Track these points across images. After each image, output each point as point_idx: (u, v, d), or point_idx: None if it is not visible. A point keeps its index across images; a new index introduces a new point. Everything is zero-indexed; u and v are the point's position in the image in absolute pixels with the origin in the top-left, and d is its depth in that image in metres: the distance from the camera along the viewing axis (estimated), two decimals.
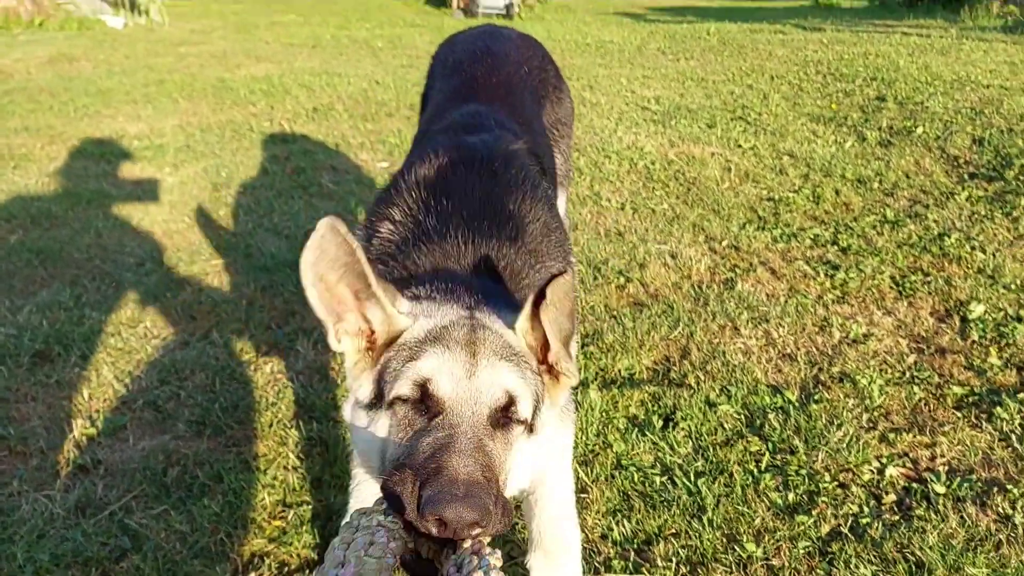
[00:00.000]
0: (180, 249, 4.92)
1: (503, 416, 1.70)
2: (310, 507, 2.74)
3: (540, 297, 1.65)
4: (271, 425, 3.17)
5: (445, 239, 2.14)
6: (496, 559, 1.37)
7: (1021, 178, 5.55)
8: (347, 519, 1.41)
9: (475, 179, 2.32)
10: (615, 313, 4.03)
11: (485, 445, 1.61)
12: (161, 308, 4.13)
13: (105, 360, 3.63)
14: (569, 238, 2.66)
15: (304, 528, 2.65)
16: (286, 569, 2.50)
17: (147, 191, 5.99)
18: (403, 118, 8.15)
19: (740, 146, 6.85)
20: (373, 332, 1.81)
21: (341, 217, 1.60)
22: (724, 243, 4.88)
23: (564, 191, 3.55)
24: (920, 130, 6.85)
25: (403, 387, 1.69)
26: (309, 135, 7.53)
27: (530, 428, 1.79)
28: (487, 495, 1.47)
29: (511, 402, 1.71)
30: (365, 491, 2.33)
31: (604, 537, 2.63)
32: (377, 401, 1.76)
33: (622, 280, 4.40)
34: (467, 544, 1.43)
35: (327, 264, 1.69)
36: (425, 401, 1.67)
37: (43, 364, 3.59)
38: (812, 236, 4.91)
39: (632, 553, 2.55)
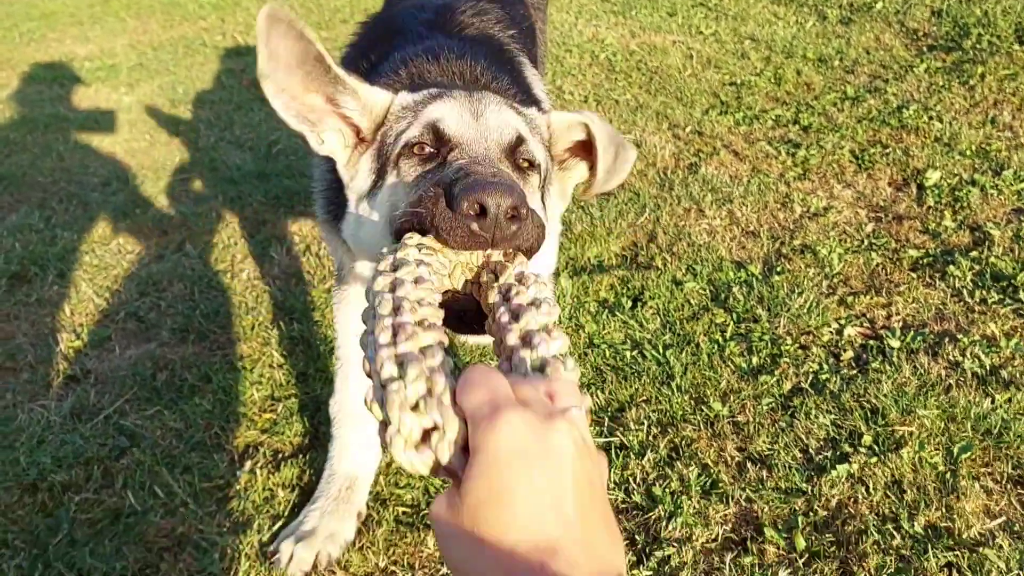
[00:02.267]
0: (144, 167, 4.91)
1: (516, 157, 1.69)
2: (298, 399, 2.86)
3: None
4: (253, 328, 3.26)
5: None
6: (542, 279, 1.26)
7: (978, 47, 5.60)
8: (380, 265, 1.22)
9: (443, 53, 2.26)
10: (582, 204, 4.11)
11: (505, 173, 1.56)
12: (132, 225, 4.16)
13: (83, 277, 3.68)
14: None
15: (294, 418, 2.77)
16: (280, 456, 2.63)
17: (104, 112, 5.92)
18: (358, 24, 8.01)
19: (701, 33, 6.82)
20: (357, 128, 1.79)
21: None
22: (688, 129, 4.94)
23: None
24: (880, 5, 6.85)
25: (412, 132, 1.67)
26: None
27: (542, 188, 1.78)
28: (516, 185, 1.39)
29: (521, 140, 1.70)
30: (351, 370, 2.42)
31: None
32: (379, 177, 1.73)
33: None
34: (509, 269, 1.28)
35: (283, 70, 1.63)
36: (436, 144, 1.65)
37: (21, 285, 3.64)
38: (774, 117, 4.97)
39: (606, 419, 2.69)
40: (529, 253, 1.40)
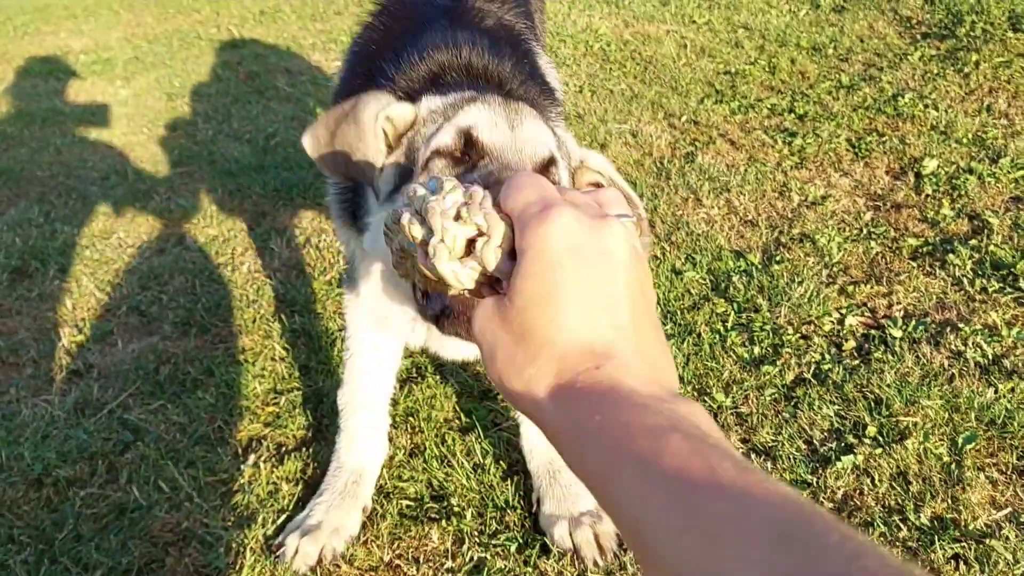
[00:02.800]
0: (143, 161, 4.89)
1: (548, 177, 1.61)
2: (300, 392, 2.86)
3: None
4: (255, 321, 3.26)
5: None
6: None
7: (972, 34, 5.60)
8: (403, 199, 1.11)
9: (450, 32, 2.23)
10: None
11: None
12: (132, 218, 4.15)
13: (84, 271, 3.67)
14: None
15: (297, 411, 2.78)
16: (284, 449, 2.64)
17: (101, 106, 5.90)
18: (353, 16, 7.97)
19: (695, 22, 6.82)
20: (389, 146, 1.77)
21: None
22: (683, 118, 4.94)
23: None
24: None
25: (444, 138, 1.63)
26: (259, 39, 7.38)
27: None
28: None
29: (552, 161, 1.66)
30: (360, 363, 2.42)
31: None
32: (404, 182, 1.70)
33: None
34: None
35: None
36: (468, 151, 1.61)
37: (22, 279, 3.63)
38: (769, 106, 4.97)
39: None
40: None
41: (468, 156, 1.60)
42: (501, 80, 2.03)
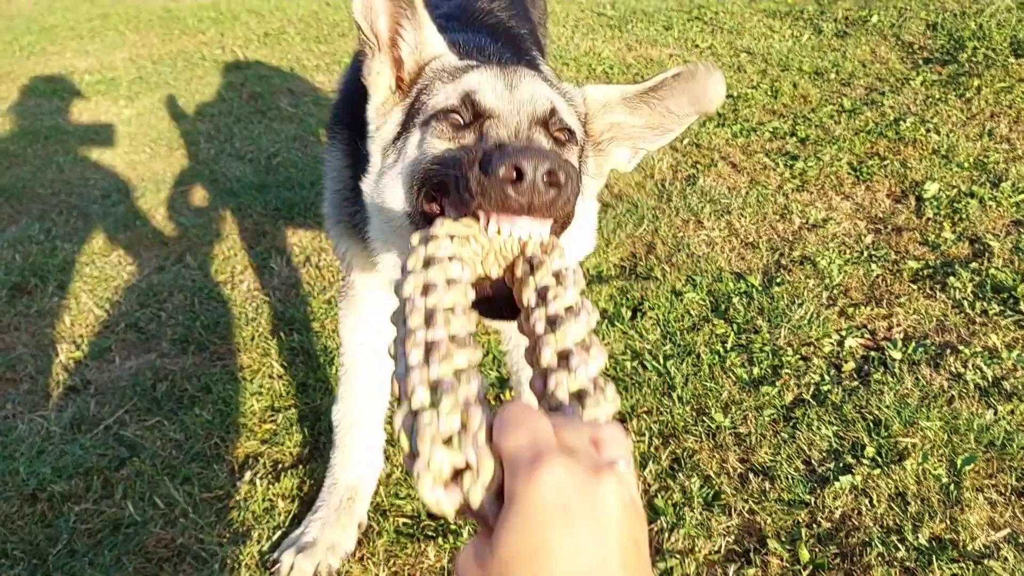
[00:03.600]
0: (144, 179, 4.91)
1: (550, 127, 1.68)
2: (297, 410, 2.85)
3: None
4: (253, 338, 3.25)
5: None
6: (579, 278, 1.17)
7: (974, 60, 5.63)
8: (409, 261, 1.12)
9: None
10: None
11: (541, 141, 1.61)
12: (132, 236, 4.16)
13: (83, 288, 3.67)
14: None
15: (294, 429, 2.76)
16: (280, 466, 2.62)
17: (104, 125, 5.93)
18: (356, 38, 8.04)
19: (697, 46, 6.86)
20: (402, 68, 1.83)
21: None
22: (685, 141, 4.95)
23: None
24: (875, 19, 6.89)
25: (448, 100, 1.68)
26: (263, 60, 7.42)
27: (580, 157, 1.78)
28: (557, 156, 1.32)
29: (554, 111, 1.69)
30: (355, 379, 2.42)
31: None
32: (406, 131, 1.75)
33: None
34: (546, 264, 1.19)
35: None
36: (470, 113, 1.65)
37: (21, 296, 3.63)
38: (771, 129, 4.99)
39: None
40: (566, 221, 1.44)
41: (472, 118, 1.65)
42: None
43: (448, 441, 0.89)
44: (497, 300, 1.29)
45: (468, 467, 0.87)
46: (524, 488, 0.80)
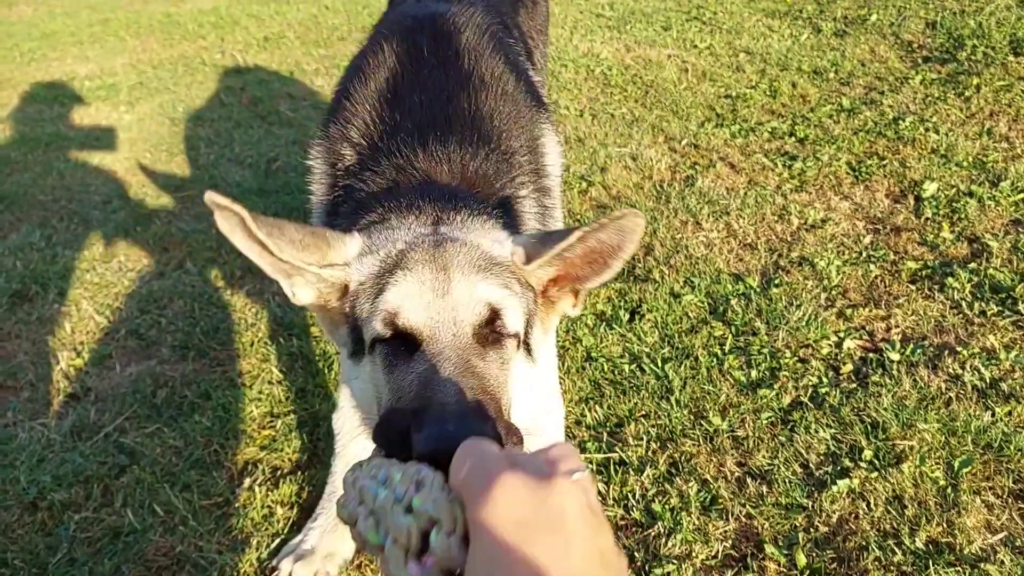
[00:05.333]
0: (144, 185, 4.92)
1: (491, 332, 1.56)
2: (296, 416, 2.86)
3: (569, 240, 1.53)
4: (252, 344, 3.26)
5: (398, 154, 1.99)
6: None
7: (973, 58, 5.62)
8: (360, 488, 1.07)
9: (426, 73, 2.21)
10: (579, 217, 4.12)
11: (475, 367, 1.47)
12: (132, 242, 4.17)
13: (83, 295, 3.68)
14: (542, 97, 2.56)
15: (293, 435, 2.77)
16: (279, 472, 2.63)
17: (105, 131, 5.94)
18: (356, 42, 8.05)
19: (696, 46, 6.85)
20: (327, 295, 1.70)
21: (223, 198, 1.49)
22: (684, 142, 4.95)
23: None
24: (874, 18, 6.88)
25: (375, 327, 1.56)
26: (262, 65, 7.43)
27: (526, 347, 1.65)
28: (482, 421, 1.34)
29: (495, 315, 1.56)
30: (352, 449, 2.41)
31: (578, 423, 2.76)
32: (359, 348, 1.65)
33: (584, 185, 4.48)
34: None
35: (243, 247, 1.58)
36: (402, 336, 1.53)
37: (22, 303, 3.64)
38: (770, 129, 4.98)
39: (605, 435, 2.69)
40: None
41: (404, 340, 1.53)
42: (441, 199, 1.91)
43: (409, 508, 0.89)
44: None
45: (433, 523, 0.86)
46: (481, 512, 0.78)
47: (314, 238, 1.63)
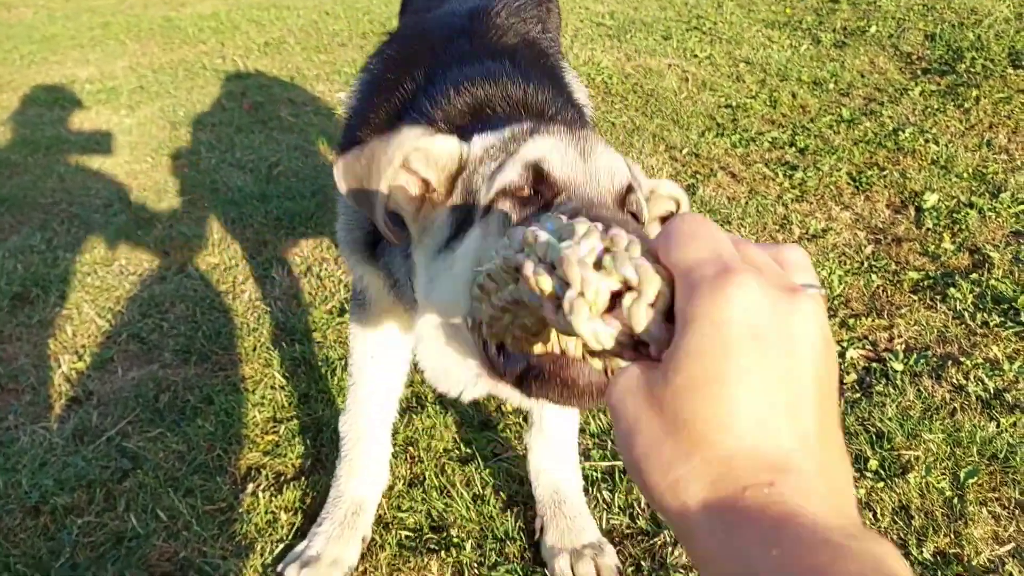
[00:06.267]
0: (146, 189, 4.91)
1: (626, 206, 1.46)
2: (300, 421, 2.85)
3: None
4: (255, 349, 3.25)
5: (472, 82, 1.87)
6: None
7: (972, 70, 5.65)
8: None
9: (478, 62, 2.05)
10: None
11: None
12: (134, 246, 4.16)
13: (84, 298, 3.67)
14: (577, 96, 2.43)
15: (296, 440, 2.76)
16: (283, 478, 2.62)
17: (105, 134, 5.93)
18: (356, 47, 8.06)
19: (696, 56, 6.88)
20: (424, 180, 1.59)
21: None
22: (684, 151, 4.96)
23: None
24: (873, 29, 6.92)
25: (509, 175, 1.43)
26: (263, 70, 7.43)
27: None
28: None
29: (631, 188, 1.46)
30: (363, 392, 2.39)
31: (583, 431, 2.76)
32: (459, 229, 1.49)
33: None
34: None
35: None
36: (538, 188, 1.41)
37: (23, 306, 3.63)
38: (770, 139, 5.00)
39: (609, 443, 2.69)
40: None
41: (539, 194, 1.42)
42: (543, 111, 1.88)
43: (598, 266, 0.77)
44: None
45: (628, 288, 0.75)
46: (708, 306, 0.68)
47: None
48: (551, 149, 1.44)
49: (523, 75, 1.94)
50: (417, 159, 1.55)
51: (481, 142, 1.56)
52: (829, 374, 0.70)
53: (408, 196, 1.59)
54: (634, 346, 0.76)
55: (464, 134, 1.63)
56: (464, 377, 1.46)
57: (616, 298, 0.76)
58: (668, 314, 0.73)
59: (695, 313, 0.68)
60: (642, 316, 0.73)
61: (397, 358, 2.44)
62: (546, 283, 0.81)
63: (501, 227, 1.40)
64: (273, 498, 2.54)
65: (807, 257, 0.78)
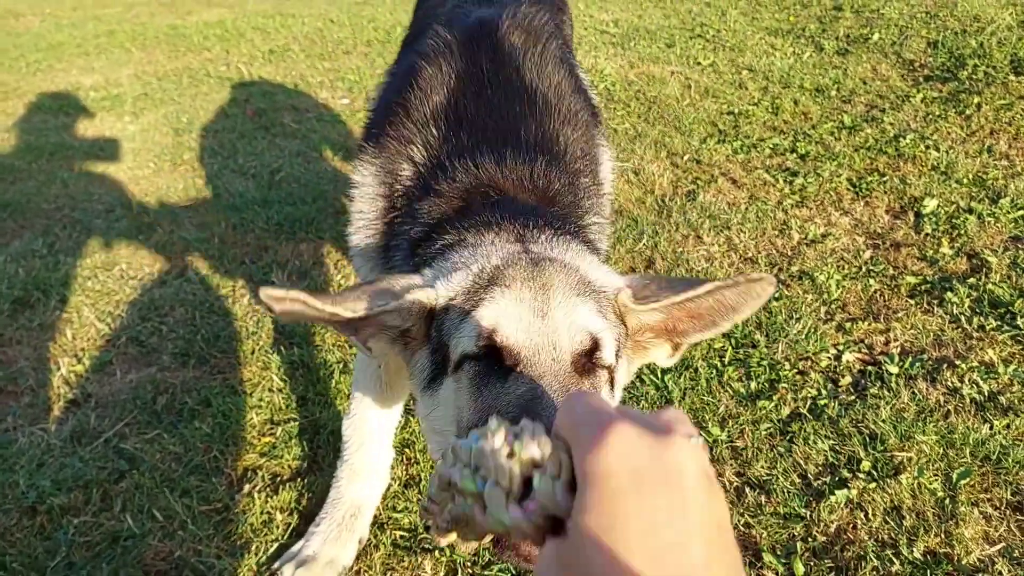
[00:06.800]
0: (148, 194, 4.94)
1: (588, 362, 1.47)
2: (297, 423, 2.86)
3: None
4: (253, 352, 3.27)
5: (469, 171, 1.88)
6: None
7: (974, 77, 5.65)
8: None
9: (489, 92, 2.09)
10: None
11: None
12: (135, 251, 4.18)
13: (84, 302, 3.69)
14: (594, 101, 2.45)
15: (293, 442, 2.77)
16: (279, 479, 2.63)
17: (109, 141, 5.97)
18: (361, 55, 8.11)
19: (699, 63, 6.89)
20: (403, 328, 1.61)
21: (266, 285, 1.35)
22: (686, 157, 4.97)
23: None
24: (876, 36, 6.93)
25: (466, 343, 1.46)
26: (267, 77, 7.48)
27: (611, 382, 1.55)
28: None
29: (595, 345, 1.47)
30: (367, 396, 2.40)
31: None
32: (439, 372, 1.55)
33: None
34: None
35: (318, 320, 1.50)
36: (496, 356, 1.44)
37: (24, 310, 3.65)
38: (771, 146, 5.01)
39: None
40: None
41: (498, 360, 1.44)
42: (537, 191, 1.87)
43: (510, 454, 0.84)
44: None
45: (536, 465, 0.82)
46: (592, 459, 0.73)
47: (381, 284, 1.57)
48: (504, 314, 1.46)
49: (524, 152, 1.95)
50: (392, 319, 1.57)
51: (444, 291, 1.57)
52: (714, 510, 0.73)
53: (389, 341, 1.63)
54: (553, 527, 0.80)
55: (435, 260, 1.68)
56: None
57: (530, 482, 0.82)
58: (573, 483, 0.78)
59: (584, 469, 0.73)
60: (548, 490, 0.79)
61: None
62: (469, 484, 0.87)
63: (469, 387, 1.46)
64: (269, 499, 2.55)
65: (685, 417, 0.82)
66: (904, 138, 4.83)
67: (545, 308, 1.45)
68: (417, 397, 1.65)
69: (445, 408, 1.54)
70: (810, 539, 2.29)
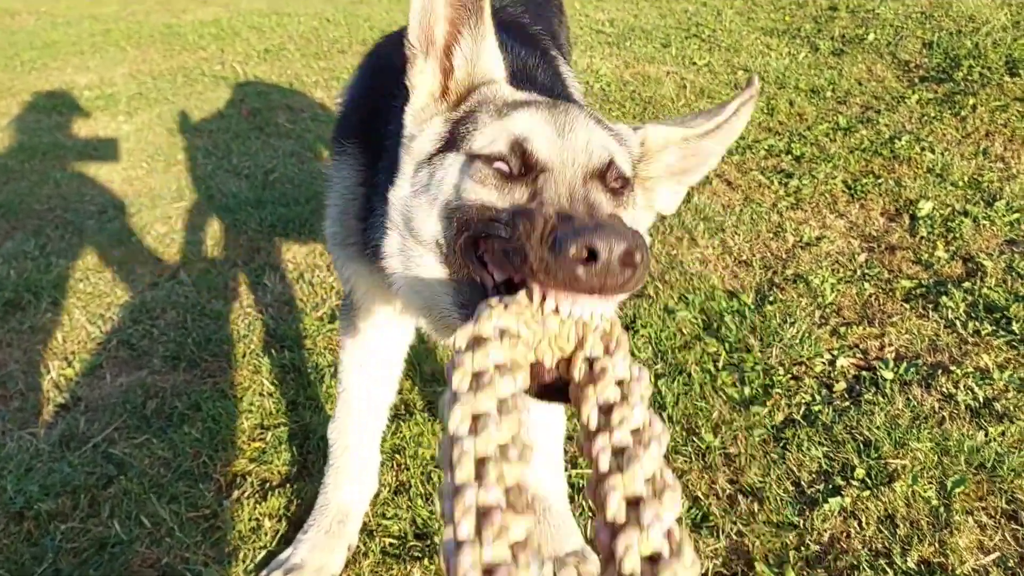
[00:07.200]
0: (141, 195, 4.92)
1: (607, 179, 1.54)
2: (287, 428, 2.84)
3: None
4: (244, 356, 3.25)
5: None
6: (646, 385, 1.09)
7: (969, 78, 5.64)
8: (456, 374, 1.03)
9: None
10: None
11: (597, 200, 1.46)
12: (127, 252, 4.16)
13: (76, 304, 3.67)
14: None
15: (283, 447, 2.75)
16: (268, 485, 2.61)
17: (103, 140, 5.94)
18: (356, 54, 8.07)
19: (695, 63, 6.88)
20: (450, 77, 1.70)
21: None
22: None
23: None
24: (872, 37, 6.91)
25: (496, 146, 1.54)
26: (262, 76, 7.45)
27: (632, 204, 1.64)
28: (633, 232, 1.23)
29: (611, 163, 1.55)
30: (352, 401, 2.38)
31: (570, 438, 2.74)
32: (444, 150, 1.62)
33: None
34: (609, 373, 1.11)
35: None
36: (521, 161, 1.51)
37: (14, 312, 3.63)
38: (767, 147, 4.99)
39: None
40: (632, 294, 1.38)
41: (520, 169, 1.51)
42: (536, 82, 1.99)
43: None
44: (552, 387, 1.24)
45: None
46: None
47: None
48: (535, 126, 1.56)
49: (522, 49, 2.12)
50: (468, 48, 1.69)
51: (493, 89, 1.70)
52: None
53: (428, 89, 1.71)
54: None
55: None
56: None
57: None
58: None
59: None
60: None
61: (387, 366, 2.43)
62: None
63: (481, 181, 1.52)
64: (258, 505, 2.53)
65: None
66: (899, 140, 4.82)
67: (566, 129, 1.56)
68: (406, 172, 1.68)
69: (439, 187, 1.57)
70: (803, 548, 2.27)
